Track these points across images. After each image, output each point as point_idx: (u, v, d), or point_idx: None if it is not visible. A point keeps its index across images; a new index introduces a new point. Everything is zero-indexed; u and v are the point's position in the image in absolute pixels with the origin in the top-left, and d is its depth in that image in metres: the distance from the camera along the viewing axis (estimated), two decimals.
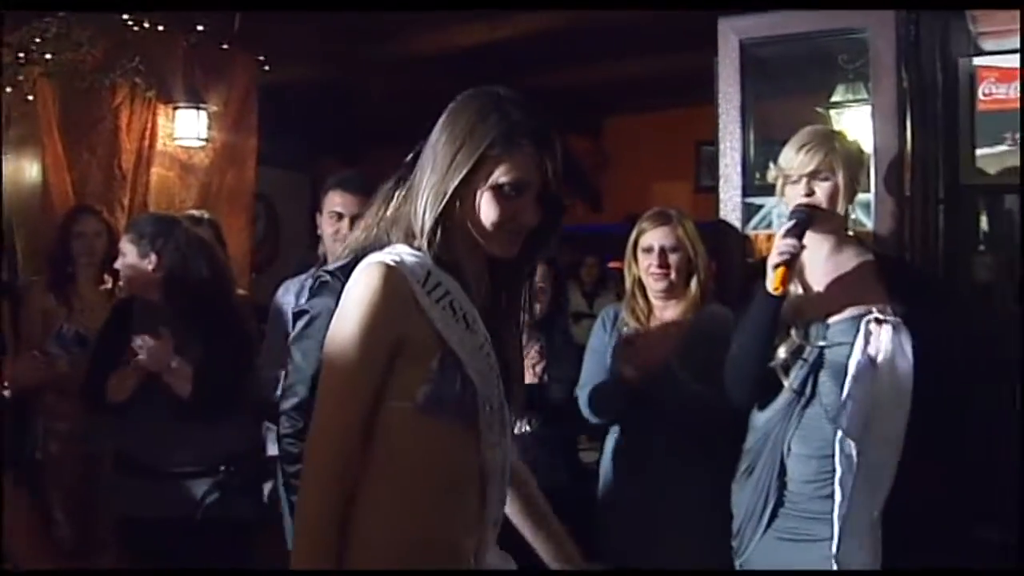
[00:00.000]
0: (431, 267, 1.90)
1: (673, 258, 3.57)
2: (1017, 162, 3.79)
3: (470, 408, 1.89)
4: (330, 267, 2.91)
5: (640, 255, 3.62)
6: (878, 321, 2.93)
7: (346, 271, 2.84)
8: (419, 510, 1.89)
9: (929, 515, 3.00)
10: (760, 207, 3.94)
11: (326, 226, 3.84)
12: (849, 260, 3.10)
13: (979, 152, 3.84)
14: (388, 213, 2.93)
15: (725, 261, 3.91)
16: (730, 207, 3.96)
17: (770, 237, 3.72)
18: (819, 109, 4.04)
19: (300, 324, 2.94)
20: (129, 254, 3.81)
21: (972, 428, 3.53)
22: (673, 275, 3.57)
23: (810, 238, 3.07)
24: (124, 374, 3.71)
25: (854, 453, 2.89)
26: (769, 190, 3.40)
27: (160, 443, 3.67)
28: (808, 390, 2.99)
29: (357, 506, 1.87)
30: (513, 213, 1.91)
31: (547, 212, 1.97)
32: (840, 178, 3.04)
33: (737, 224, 3.95)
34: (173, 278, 3.77)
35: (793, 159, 3.05)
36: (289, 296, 3.95)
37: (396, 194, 2.95)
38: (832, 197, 3.04)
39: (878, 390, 2.90)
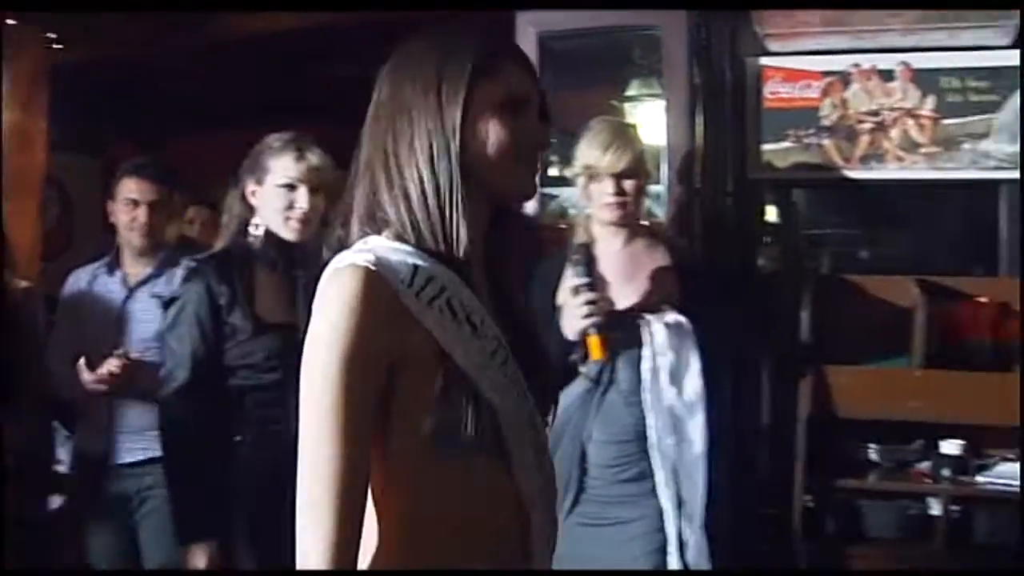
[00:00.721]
0: (418, 259, 1.50)
1: None
2: (800, 157, 3.97)
3: (490, 433, 1.51)
4: (199, 255, 3.06)
5: None
6: (668, 314, 3.04)
7: (216, 258, 3.01)
8: (447, 560, 1.52)
9: (724, 496, 3.12)
10: (555, 197, 4.01)
11: (120, 214, 3.74)
12: (642, 251, 3.18)
13: (765, 148, 4.00)
14: (246, 196, 2.96)
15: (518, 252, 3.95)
16: None
17: (564, 228, 3.78)
18: (614, 102, 4.14)
19: (172, 312, 3.01)
20: None
21: (757, 414, 3.69)
22: None
23: (605, 230, 3.14)
24: None
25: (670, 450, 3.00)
26: (564, 180, 3.46)
27: None
28: (606, 378, 3.06)
29: (369, 565, 1.51)
30: (523, 132, 1.57)
31: None
32: (643, 176, 3.14)
33: (532, 214, 4.00)
34: None
35: (601, 158, 3.08)
36: (80, 285, 3.82)
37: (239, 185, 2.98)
38: (639, 193, 3.13)
39: (672, 380, 3.02)
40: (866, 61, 3.97)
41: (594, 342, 2.90)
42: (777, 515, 3.65)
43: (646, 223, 3.28)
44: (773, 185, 4.14)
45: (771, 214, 4.23)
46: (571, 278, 2.97)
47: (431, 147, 1.53)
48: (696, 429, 3.01)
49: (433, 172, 1.53)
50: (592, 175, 3.11)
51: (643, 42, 4.03)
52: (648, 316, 3.03)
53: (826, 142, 3.98)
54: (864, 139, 3.96)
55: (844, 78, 3.98)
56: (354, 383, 1.43)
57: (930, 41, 3.91)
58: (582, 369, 3.05)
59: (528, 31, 4.05)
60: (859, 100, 3.98)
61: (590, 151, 3.11)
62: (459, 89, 1.53)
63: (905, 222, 4.32)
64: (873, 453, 3.73)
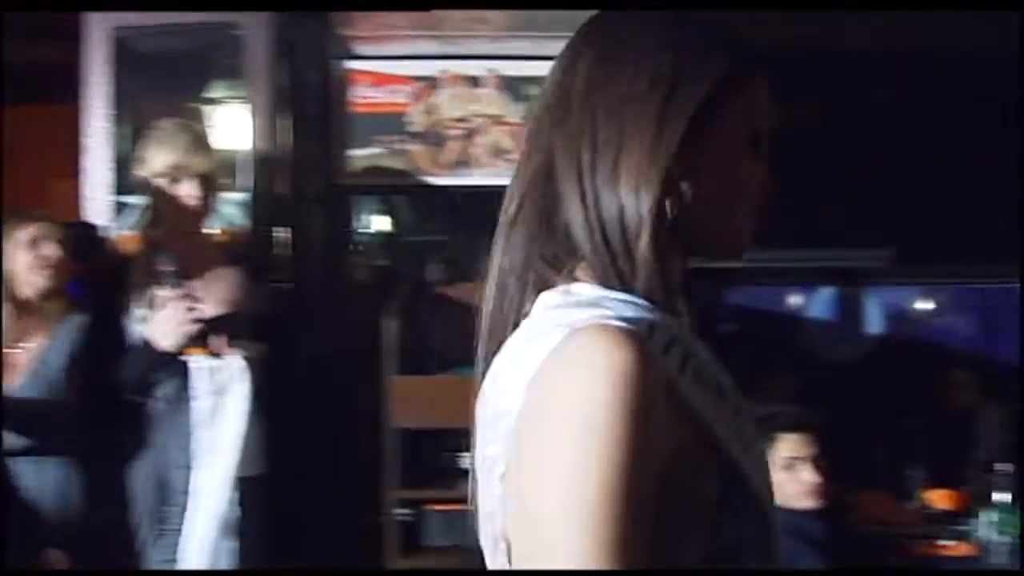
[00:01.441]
0: (646, 311, 1.06)
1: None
2: (389, 163, 3.93)
3: (766, 535, 1.09)
4: None
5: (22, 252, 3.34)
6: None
7: None
8: None
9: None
10: (130, 205, 3.78)
11: None
12: (216, 259, 3.08)
13: (353, 153, 3.93)
14: None
15: (93, 262, 3.70)
16: (98, 205, 3.76)
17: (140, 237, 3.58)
18: (196, 104, 3.95)
19: None
20: None
21: (344, 426, 3.63)
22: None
23: (180, 237, 3.00)
24: None
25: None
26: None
27: None
28: (183, 397, 2.92)
29: None
30: (758, 177, 1.15)
31: None
32: (214, 176, 3.04)
33: (106, 223, 3.75)
34: None
35: (188, 158, 2.97)
36: None
37: None
38: (208, 193, 3.02)
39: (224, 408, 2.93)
40: (455, 67, 3.98)
41: (196, 352, 2.89)
42: (370, 526, 3.61)
43: (222, 231, 3.15)
44: (365, 192, 4.09)
45: (364, 222, 4.18)
46: (168, 288, 2.89)
47: (650, 168, 1.07)
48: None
49: (650, 207, 1.07)
50: (176, 177, 2.96)
51: (227, 42, 3.86)
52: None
53: (415, 148, 3.95)
54: (453, 145, 3.96)
55: (433, 84, 3.97)
56: (634, 496, 0.96)
57: (516, 49, 3.97)
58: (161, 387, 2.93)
59: (102, 27, 3.79)
60: (448, 106, 3.98)
61: (174, 152, 2.99)
62: (698, 95, 1.08)
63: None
64: (464, 462, 3.75)
